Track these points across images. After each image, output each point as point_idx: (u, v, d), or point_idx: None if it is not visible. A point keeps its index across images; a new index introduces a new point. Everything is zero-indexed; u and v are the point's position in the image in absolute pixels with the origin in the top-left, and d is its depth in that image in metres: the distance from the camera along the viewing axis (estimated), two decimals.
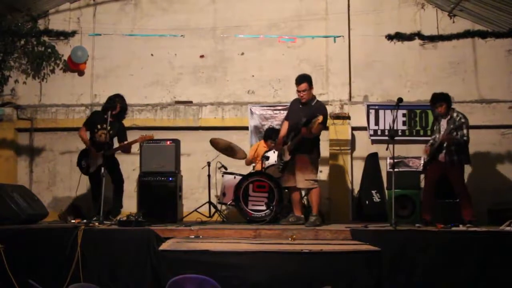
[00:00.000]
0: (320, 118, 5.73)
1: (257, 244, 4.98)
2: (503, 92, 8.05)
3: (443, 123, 6.14)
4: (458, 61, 8.17)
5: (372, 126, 8.04)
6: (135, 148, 6.85)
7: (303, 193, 6.44)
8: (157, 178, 6.58)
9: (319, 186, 6.17)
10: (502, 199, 7.15)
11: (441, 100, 6.10)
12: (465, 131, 5.96)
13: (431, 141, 6.30)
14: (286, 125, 6.28)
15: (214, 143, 7.14)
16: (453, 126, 5.94)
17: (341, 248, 4.79)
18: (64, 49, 8.50)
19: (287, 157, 6.10)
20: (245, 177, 6.56)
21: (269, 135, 7.08)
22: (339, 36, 8.08)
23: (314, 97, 6.19)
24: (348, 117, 8.06)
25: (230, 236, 5.42)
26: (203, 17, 8.50)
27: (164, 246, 4.94)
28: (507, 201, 6.94)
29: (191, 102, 8.38)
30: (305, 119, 5.91)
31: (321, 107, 6.13)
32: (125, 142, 6.55)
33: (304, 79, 6.07)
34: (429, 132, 7.42)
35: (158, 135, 6.81)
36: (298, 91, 6.09)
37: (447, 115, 6.10)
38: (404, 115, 7.99)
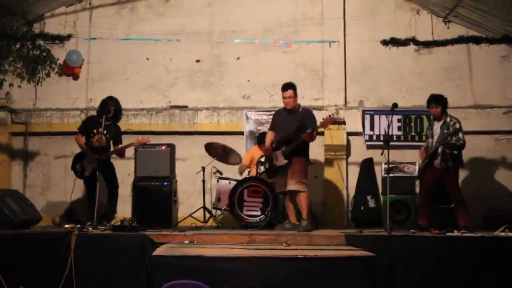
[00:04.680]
0: (332, 118, 6.01)
1: (252, 249, 4.97)
2: (497, 97, 8.07)
3: (436, 127, 6.16)
4: (452, 66, 8.19)
5: (367, 131, 8.04)
6: (129, 152, 6.83)
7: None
8: (152, 183, 6.56)
9: (314, 190, 6.19)
10: (496, 204, 7.14)
11: (437, 102, 6.12)
12: (460, 135, 5.98)
13: (424, 145, 6.32)
14: (271, 135, 6.36)
15: (209, 147, 7.12)
16: (447, 131, 5.95)
17: (335, 253, 4.78)
18: (60, 53, 8.48)
19: (281, 161, 6.11)
20: (240, 182, 6.56)
21: (263, 139, 7.09)
22: (335, 41, 8.10)
23: (299, 105, 6.32)
24: (344, 122, 8.01)
25: (224, 242, 5.42)
26: (199, 22, 8.49)
27: (158, 251, 4.91)
28: (502, 207, 6.95)
29: (186, 106, 8.37)
30: (297, 123, 6.05)
31: (310, 113, 6.33)
32: (120, 146, 6.54)
33: (291, 86, 6.26)
34: (424, 138, 7.42)
35: (153, 139, 6.78)
36: (284, 97, 6.22)
37: (440, 118, 6.12)
38: (399, 120, 7.98)
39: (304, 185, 6.08)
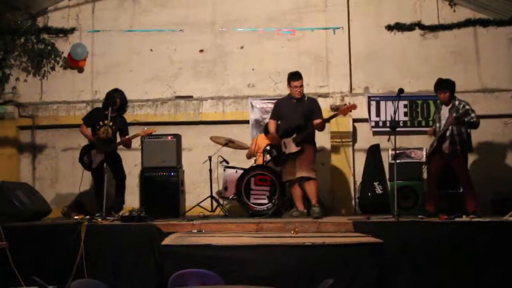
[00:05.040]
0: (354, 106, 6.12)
1: (260, 237, 4.98)
2: (505, 81, 7.97)
3: (444, 111, 6.11)
4: (459, 50, 8.10)
5: (373, 117, 8.00)
6: (136, 143, 6.86)
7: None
8: (159, 173, 6.59)
9: (321, 177, 6.22)
10: (505, 188, 7.11)
11: (445, 87, 6.05)
12: (472, 114, 5.92)
13: (431, 129, 6.28)
14: (274, 123, 6.38)
15: (214, 139, 7.15)
16: (456, 114, 5.90)
17: (343, 240, 4.78)
18: (64, 46, 8.49)
19: (292, 149, 6.09)
20: (247, 171, 6.57)
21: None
22: (339, 28, 8.05)
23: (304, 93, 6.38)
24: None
25: (232, 230, 5.44)
26: (202, 11, 8.45)
27: (167, 241, 4.94)
28: (510, 191, 6.91)
29: (191, 96, 8.36)
30: (304, 112, 6.12)
31: (317, 103, 6.41)
32: (127, 137, 6.56)
33: (301, 75, 6.27)
34: (430, 123, 7.38)
35: (159, 130, 6.81)
36: (295, 86, 6.20)
37: (449, 103, 6.07)
38: (405, 106, 7.92)
39: (314, 172, 6.12)
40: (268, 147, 6.78)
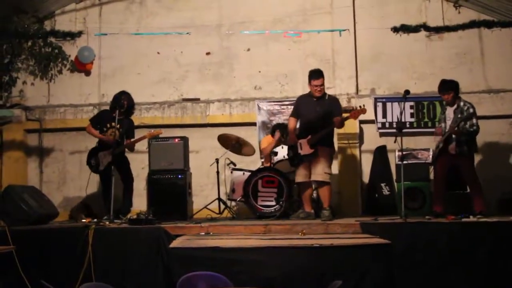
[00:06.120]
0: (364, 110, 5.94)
1: (268, 239, 5.00)
2: (510, 81, 7.97)
3: (449, 112, 6.11)
4: (464, 51, 8.11)
5: (380, 119, 8.00)
6: (143, 146, 6.88)
7: (313, 186, 6.42)
8: (166, 176, 6.61)
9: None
10: (511, 189, 7.10)
11: (448, 88, 6.06)
12: (474, 120, 5.92)
13: (437, 129, 6.27)
14: (294, 121, 6.29)
15: (222, 138, 7.14)
16: (460, 116, 5.90)
17: (351, 241, 4.79)
18: (71, 50, 8.54)
19: (307, 150, 6.04)
20: (254, 173, 6.58)
21: (276, 128, 7.10)
22: (345, 30, 8.05)
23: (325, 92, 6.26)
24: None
25: (240, 232, 5.45)
26: (208, 14, 8.50)
27: (175, 243, 4.97)
28: None
29: (198, 99, 8.40)
30: (324, 111, 6.01)
31: (337, 101, 6.28)
32: (132, 140, 6.59)
33: (322, 73, 6.16)
34: (437, 124, 7.37)
35: (166, 132, 6.84)
36: (316, 85, 6.08)
37: (453, 103, 6.07)
38: (411, 107, 7.92)
39: (329, 175, 6.04)
40: (275, 149, 6.81)
